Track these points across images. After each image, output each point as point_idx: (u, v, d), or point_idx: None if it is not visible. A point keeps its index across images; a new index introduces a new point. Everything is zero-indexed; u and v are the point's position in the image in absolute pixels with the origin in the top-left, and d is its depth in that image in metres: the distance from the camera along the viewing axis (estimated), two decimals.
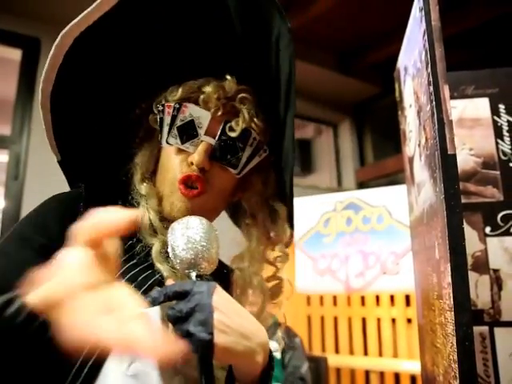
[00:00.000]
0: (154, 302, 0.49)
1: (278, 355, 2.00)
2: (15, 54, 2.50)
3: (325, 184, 3.85)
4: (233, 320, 0.48)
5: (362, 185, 3.80)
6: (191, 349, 0.46)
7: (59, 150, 0.61)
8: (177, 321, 0.47)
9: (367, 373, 2.79)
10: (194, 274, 0.52)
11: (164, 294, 0.48)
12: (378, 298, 2.86)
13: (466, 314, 0.61)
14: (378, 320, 2.84)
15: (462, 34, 2.75)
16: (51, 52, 0.55)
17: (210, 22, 0.59)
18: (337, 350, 2.93)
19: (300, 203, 2.88)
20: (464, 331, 0.60)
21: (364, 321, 2.89)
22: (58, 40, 0.54)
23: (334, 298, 3.00)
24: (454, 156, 0.66)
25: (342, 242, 2.74)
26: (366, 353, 2.84)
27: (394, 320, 2.79)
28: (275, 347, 2.13)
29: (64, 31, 0.54)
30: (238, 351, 0.48)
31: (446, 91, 0.69)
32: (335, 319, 2.99)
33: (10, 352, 0.34)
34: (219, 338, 0.46)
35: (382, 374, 2.74)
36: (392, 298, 2.80)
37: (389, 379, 2.70)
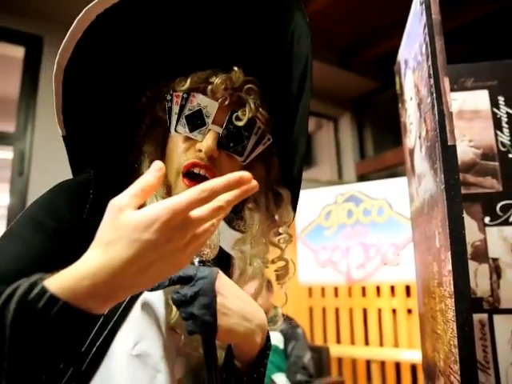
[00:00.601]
0: (159, 286, 0.51)
1: (280, 346, 2.03)
2: (18, 52, 2.51)
3: (325, 177, 3.87)
4: (234, 303, 0.52)
5: (362, 178, 3.81)
6: (195, 330, 0.49)
7: (67, 130, 0.62)
8: (181, 304, 0.50)
9: (368, 362, 2.83)
10: (197, 260, 0.55)
11: (169, 278, 0.50)
12: (378, 289, 2.88)
13: (466, 301, 0.63)
14: (379, 311, 2.87)
15: (462, 28, 2.75)
16: (72, 26, 0.55)
17: (220, 14, 0.61)
18: (338, 341, 2.97)
19: (301, 196, 2.88)
20: (464, 317, 0.62)
21: (365, 311, 2.92)
22: (81, 14, 0.55)
23: (336, 289, 3.03)
24: (454, 147, 0.68)
25: (343, 234, 2.77)
26: (367, 343, 2.88)
27: (394, 311, 2.82)
28: (279, 338, 2.15)
29: (88, 7, 0.55)
30: (239, 332, 0.52)
31: (446, 83, 0.70)
32: (337, 310, 3.02)
33: (34, 334, 0.36)
34: (221, 320, 0.50)
35: (382, 364, 2.78)
36: (392, 288, 2.83)
37: (389, 368, 2.74)
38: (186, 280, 0.51)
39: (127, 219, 0.36)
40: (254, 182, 0.38)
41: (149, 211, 0.36)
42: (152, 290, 0.53)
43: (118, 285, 0.36)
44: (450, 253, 0.65)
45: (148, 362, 0.52)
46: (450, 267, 0.65)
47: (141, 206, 0.38)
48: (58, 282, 0.36)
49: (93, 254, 0.37)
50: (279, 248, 0.66)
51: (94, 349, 0.49)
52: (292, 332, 2.07)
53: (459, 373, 0.62)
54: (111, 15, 0.55)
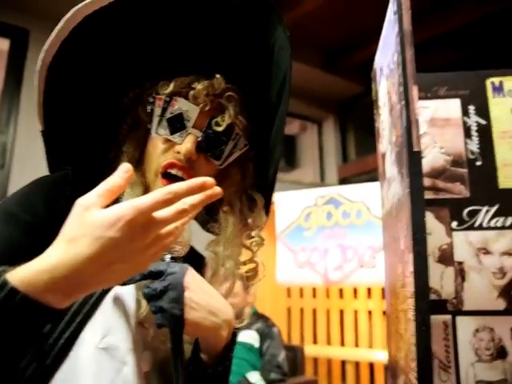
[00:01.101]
0: (130, 281, 0.52)
1: (256, 344, 2.05)
2: (3, 44, 2.47)
3: (308, 179, 3.90)
4: (202, 298, 0.54)
5: (344, 181, 3.87)
6: (164, 323, 0.50)
7: (47, 125, 0.63)
8: (151, 298, 0.52)
9: (343, 362, 2.88)
10: (168, 257, 0.57)
11: (140, 273, 0.52)
12: (355, 290, 2.94)
13: (425, 301, 0.65)
14: (355, 312, 2.92)
15: (449, 34, 2.82)
16: (59, 25, 0.56)
17: (205, 23, 0.62)
18: (315, 341, 3.01)
19: (282, 197, 2.92)
20: (422, 317, 0.65)
21: (342, 313, 2.97)
22: (68, 14, 0.56)
23: (314, 290, 3.07)
24: (419, 153, 0.70)
25: (322, 236, 2.80)
26: (342, 343, 2.92)
27: (370, 312, 2.88)
28: (254, 337, 2.18)
29: (77, 8, 0.56)
30: (206, 326, 0.54)
31: (414, 92, 0.73)
32: (314, 311, 3.06)
33: None
34: (189, 314, 0.52)
35: (357, 364, 2.83)
36: (369, 290, 2.89)
37: (364, 369, 2.79)
38: (157, 275, 0.52)
39: (92, 217, 0.37)
40: (218, 189, 0.40)
41: (113, 210, 0.37)
42: (124, 284, 0.54)
43: (78, 281, 0.37)
44: (412, 254, 0.68)
45: (115, 355, 0.53)
46: (411, 268, 0.67)
47: (111, 205, 0.39)
48: (20, 275, 0.37)
49: (56, 249, 0.38)
50: (251, 251, 0.68)
51: (62, 341, 0.50)
52: (268, 331, 2.09)
53: (416, 370, 0.65)
54: (99, 17, 0.56)
